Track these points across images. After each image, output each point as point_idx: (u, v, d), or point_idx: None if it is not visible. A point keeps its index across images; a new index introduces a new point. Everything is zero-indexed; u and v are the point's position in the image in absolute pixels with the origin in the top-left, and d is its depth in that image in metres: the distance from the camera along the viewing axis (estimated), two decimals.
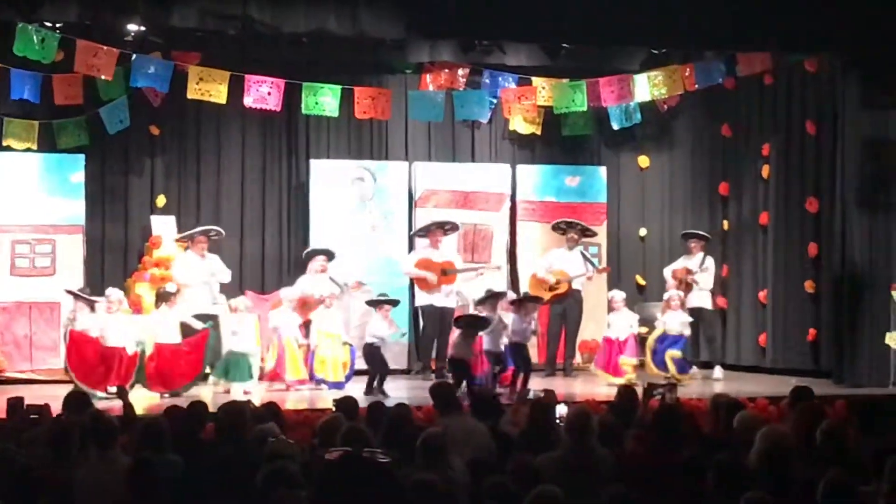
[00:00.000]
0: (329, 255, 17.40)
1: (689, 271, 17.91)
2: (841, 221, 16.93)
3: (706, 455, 7.89)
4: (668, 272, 18.24)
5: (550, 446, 8.48)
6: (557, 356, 18.24)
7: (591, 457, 8.15)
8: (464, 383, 15.07)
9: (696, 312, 17.82)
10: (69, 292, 16.35)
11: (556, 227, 18.71)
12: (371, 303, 16.61)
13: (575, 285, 18.15)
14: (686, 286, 17.83)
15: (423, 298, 17.87)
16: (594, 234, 18.94)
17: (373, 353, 16.08)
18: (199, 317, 16.34)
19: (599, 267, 18.66)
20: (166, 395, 15.34)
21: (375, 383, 15.69)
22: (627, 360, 16.86)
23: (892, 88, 16.67)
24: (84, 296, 16.14)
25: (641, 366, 17.12)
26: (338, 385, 16.09)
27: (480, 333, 16.12)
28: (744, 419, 8.79)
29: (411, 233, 18.58)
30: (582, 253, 18.32)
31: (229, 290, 17.28)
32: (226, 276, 17.24)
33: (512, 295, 17.24)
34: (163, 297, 16.20)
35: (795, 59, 18.09)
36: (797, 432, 8.10)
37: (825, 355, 17.65)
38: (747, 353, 19.09)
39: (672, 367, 16.87)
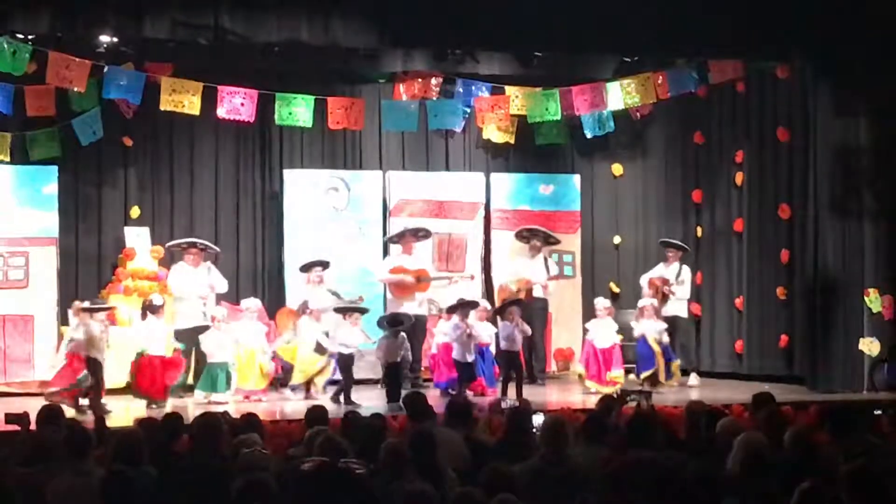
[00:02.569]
0: (325, 266, 17.39)
1: (665, 282, 17.94)
2: (814, 228, 16.98)
3: (682, 462, 7.91)
4: (644, 280, 18.26)
5: (527, 455, 8.47)
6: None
7: (567, 465, 8.15)
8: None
9: (671, 321, 17.89)
10: (85, 310, 16.10)
11: (518, 236, 18.74)
12: (340, 310, 16.52)
13: (537, 293, 18.13)
14: (663, 296, 17.87)
15: (396, 307, 17.83)
16: (558, 242, 18.87)
17: (346, 362, 16.06)
18: (188, 330, 16.37)
19: (551, 275, 18.52)
20: (154, 406, 15.30)
21: (342, 396, 15.69)
22: (616, 375, 16.79)
23: (863, 95, 16.75)
24: (98, 306, 15.96)
25: (628, 374, 17.12)
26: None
27: (449, 341, 16.22)
28: (725, 426, 8.81)
29: (385, 238, 18.55)
30: (545, 259, 18.32)
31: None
32: (223, 286, 17.25)
33: (486, 304, 17.29)
34: (150, 309, 16.08)
35: (767, 66, 18.15)
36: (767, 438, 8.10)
37: (799, 361, 17.70)
38: (723, 360, 19.12)
39: (678, 373, 17.05)
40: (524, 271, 18.23)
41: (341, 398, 15.62)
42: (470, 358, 16.15)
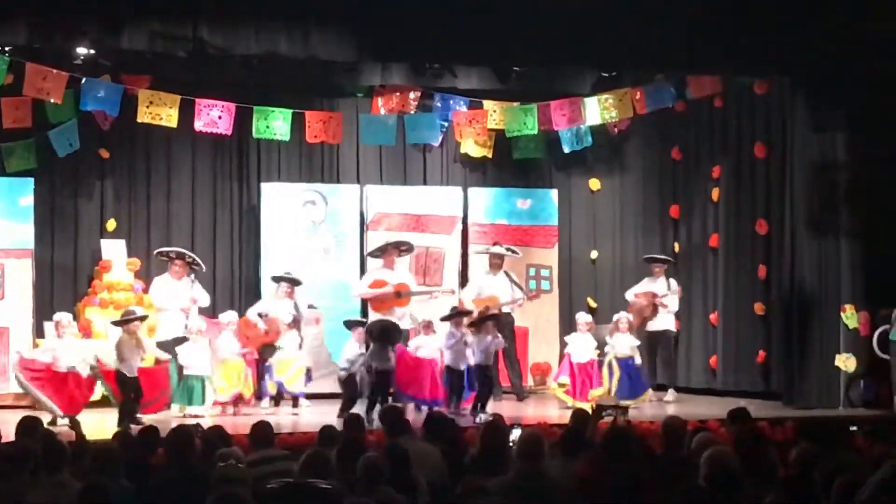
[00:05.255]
0: (295, 283, 17.36)
1: (654, 295, 17.96)
2: (790, 244, 17.04)
3: (660, 477, 7.92)
4: (630, 295, 18.27)
5: (503, 470, 8.46)
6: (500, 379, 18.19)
7: (543, 480, 8.14)
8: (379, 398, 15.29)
9: (659, 335, 17.98)
10: (114, 323, 16.06)
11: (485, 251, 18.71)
12: (348, 323, 16.48)
13: (506, 309, 18.07)
14: (653, 309, 17.90)
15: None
16: (518, 255, 18.72)
17: (350, 379, 16.00)
18: (169, 341, 16.30)
19: (530, 293, 18.53)
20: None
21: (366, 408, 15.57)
22: (596, 393, 16.79)
23: (840, 112, 16.80)
24: (126, 318, 15.88)
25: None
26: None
27: (442, 348, 16.20)
28: (701, 442, 8.81)
29: (367, 252, 18.49)
30: (507, 274, 18.23)
31: None
32: (205, 300, 17.22)
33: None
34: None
35: (745, 82, 18.20)
36: (737, 453, 8.10)
37: (775, 377, 17.74)
38: (698, 375, 19.13)
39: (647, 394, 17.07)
40: (489, 289, 18.09)
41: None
42: (463, 366, 16.13)
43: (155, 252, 17.87)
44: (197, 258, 17.51)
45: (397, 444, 9.01)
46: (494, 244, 18.64)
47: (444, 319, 16.61)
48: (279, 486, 7.42)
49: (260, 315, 17.04)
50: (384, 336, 15.83)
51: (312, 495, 7.27)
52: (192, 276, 17.24)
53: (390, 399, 15.65)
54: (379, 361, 15.63)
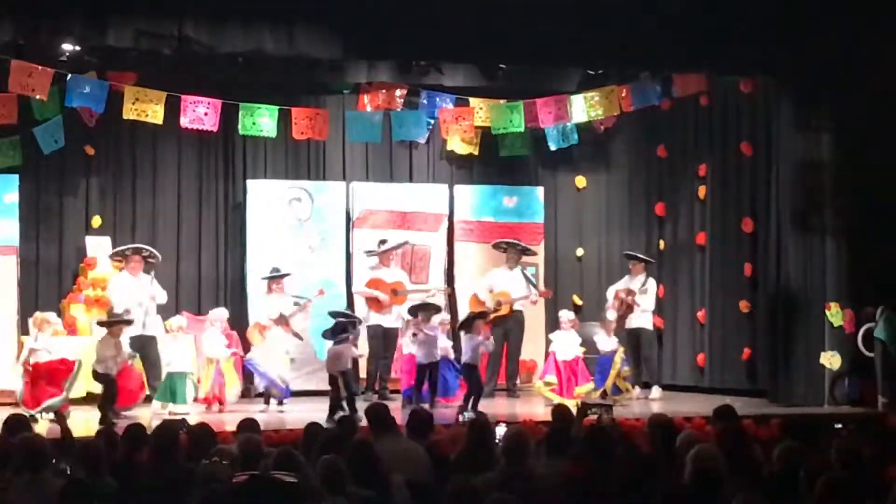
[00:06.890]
0: (285, 276, 17.42)
1: (630, 292, 17.99)
2: (776, 242, 17.07)
3: (644, 475, 7.92)
4: (610, 292, 18.31)
5: (489, 467, 8.46)
6: (499, 376, 18.24)
7: (528, 478, 8.14)
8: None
9: (636, 332, 17.96)
10: (100, 324, 16.08)
11: (496, 246, 18.72)
12: (334, 314, 16.43)
13: (517, 306, 18.13)
14: (627, 307, 17.93)
15: (371, 318, 17.79)
16: (534, 254, 18.90)
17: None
18: (133, 339, 16.22)
19: (542, 290, 18.68)
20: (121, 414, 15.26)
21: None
22: (583, 390, 16.85)
23: (826, 111, 16.82)
24: (122, 319, 15.87)
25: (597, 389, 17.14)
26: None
27: (410, 345, 16.39)
28: (686, 439, 8.82)
29: (372, 252, 18.31)
30: (524, 273, 18.30)
31: (164, 311, 17.10)
32: (163, 297, 17.10)
33: (447, 316, 17.32)
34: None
35: (730, 80, 18.21)
36: (722, 451, 8.11)
37: (761, 374, 17.76)
38: (684, 373, 19.16)
39: (626, 385, 17.11)
40: (503, 284, 18.19)
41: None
42: (433, 359, 16.33)
43: (109, 255, 17.70)
44: (153, 251, 17.31)
45: (362, 441, 8.99)
46: (511, 242, 18.69)
47: (410, 312, 16.62)
48: (245, 479, 7.41)
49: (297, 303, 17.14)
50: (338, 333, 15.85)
51: (277, 489, 7.26)
52: (152, 273, 17.07)
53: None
54: (333, 365, 15.71)
